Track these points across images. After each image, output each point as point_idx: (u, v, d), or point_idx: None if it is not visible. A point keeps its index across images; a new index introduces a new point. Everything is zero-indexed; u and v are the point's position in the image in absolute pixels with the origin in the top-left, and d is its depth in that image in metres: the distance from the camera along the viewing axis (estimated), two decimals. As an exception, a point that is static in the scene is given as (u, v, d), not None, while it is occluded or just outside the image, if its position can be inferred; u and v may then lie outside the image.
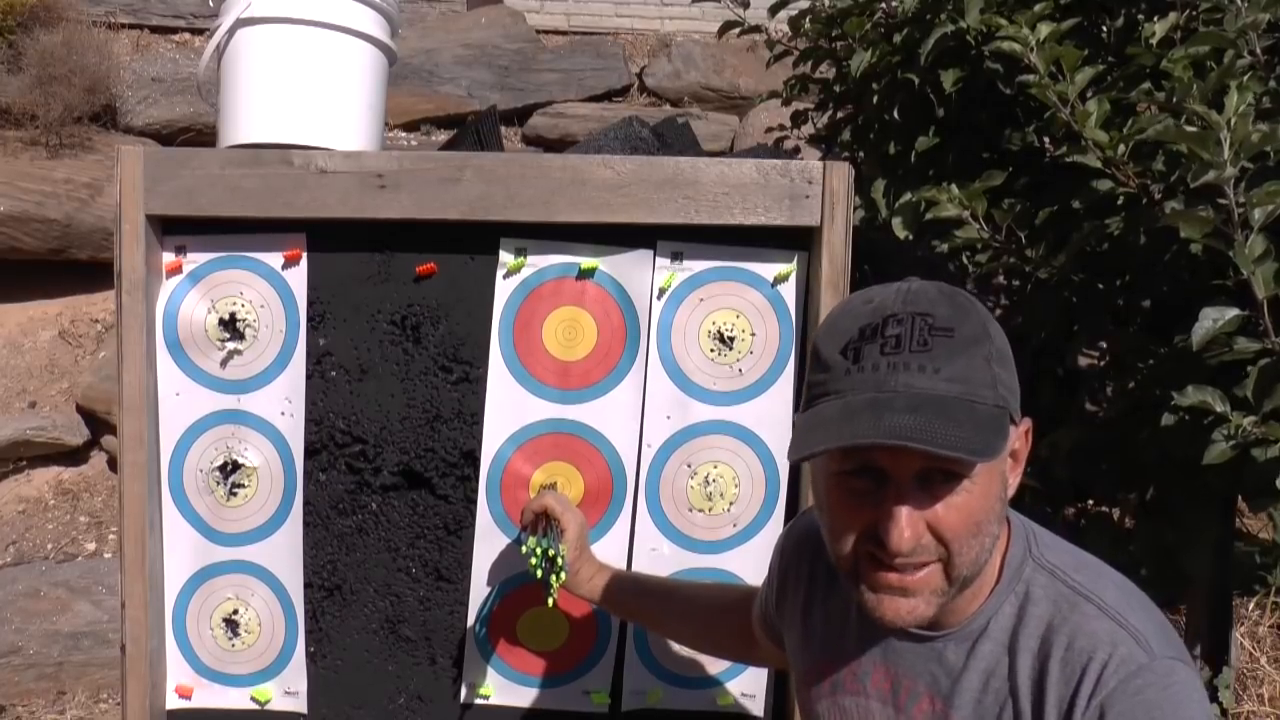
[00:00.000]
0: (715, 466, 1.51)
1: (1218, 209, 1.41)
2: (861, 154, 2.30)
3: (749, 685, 1.56)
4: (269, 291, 1.47)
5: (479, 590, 1.52)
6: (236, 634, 1.52)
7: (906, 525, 0.86)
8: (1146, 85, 1.71)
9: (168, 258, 1.47)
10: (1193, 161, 1.40)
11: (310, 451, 1.49)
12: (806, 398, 0.93)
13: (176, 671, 1.53)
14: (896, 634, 0.99)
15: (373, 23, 1.59)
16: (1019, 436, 0.93)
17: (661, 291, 1.48)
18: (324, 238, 1.47)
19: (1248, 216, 1.40)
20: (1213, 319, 1.42)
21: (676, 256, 1.48)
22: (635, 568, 1.52)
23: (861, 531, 0.90)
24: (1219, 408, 1.44)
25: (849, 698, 1.04)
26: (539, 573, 1.34)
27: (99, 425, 3.88)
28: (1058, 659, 0.89)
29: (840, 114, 2.44)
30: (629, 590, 1.41)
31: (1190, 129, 1.42)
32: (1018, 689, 0.91)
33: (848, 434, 0.85)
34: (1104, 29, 1.88)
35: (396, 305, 1.48)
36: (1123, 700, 0.85)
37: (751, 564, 1.52)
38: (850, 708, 1.03)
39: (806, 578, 1.13)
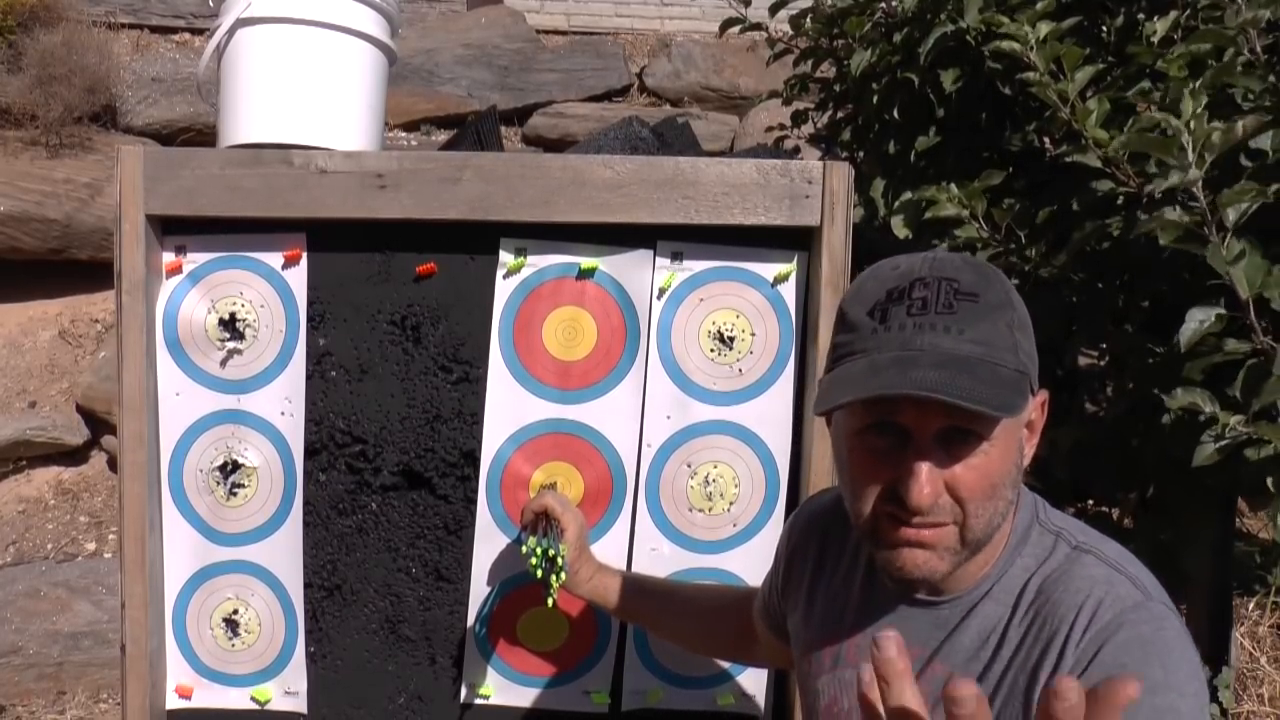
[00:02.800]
0: (715, 466, 1.51)
1: (1191, 211, 1.42)
2: (861, 153, 2.30)
3: (749, 685, 1.56)
4: (269, 291, 1.47)
5: (479, 590, 1.52)
6: (236, 634, 1.52)
7: (927, 482, 0.87)
8: (1146, 85, 1.71)
9: (168, 258, 1.47)
10: (1160, 166, 1.41)
11: (310, 451, 1.49)
12: (831, 359, 0.95)
13: (176, 671, 1.53)
14: (904, 601, 1.00)
15: (373, 23, 1.59)
16: (1036, 407, 0.95)
17: (661, 291, 1.48)
18: (324, 238, 1.47)
19: (1222, 218, 1.40)
20: (1199, 319, 1.43)
21: (676, 256, 1.48)
22: (635, 568, 1.52)
23: (882, 490, 0.91)
24: (1208, 409, 1.44)
25: (850, 670, 1.04)
26: (539, 573, 1.34)
27: (99, 425, 3.89)
28: (1053, 601, 0.90)
29: (840, 113, 2.44)
30: (628, 591, 1.41)
31: (1153, 135, 1.43)
32: (1011, 640, 0.92)
33: (875, 386, 0.86)
34: (1104, 28, 1.89)
35: (396, 305, 1.48)
36: (1118, 633, 0.86)
37: (751, 564, 1.52)
38: (851, 680, 1.04)
39: (814, 557, 1.14)
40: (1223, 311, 1.42)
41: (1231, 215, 1.39)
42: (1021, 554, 0.96)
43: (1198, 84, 1.44)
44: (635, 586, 1.42)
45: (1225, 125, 1.38)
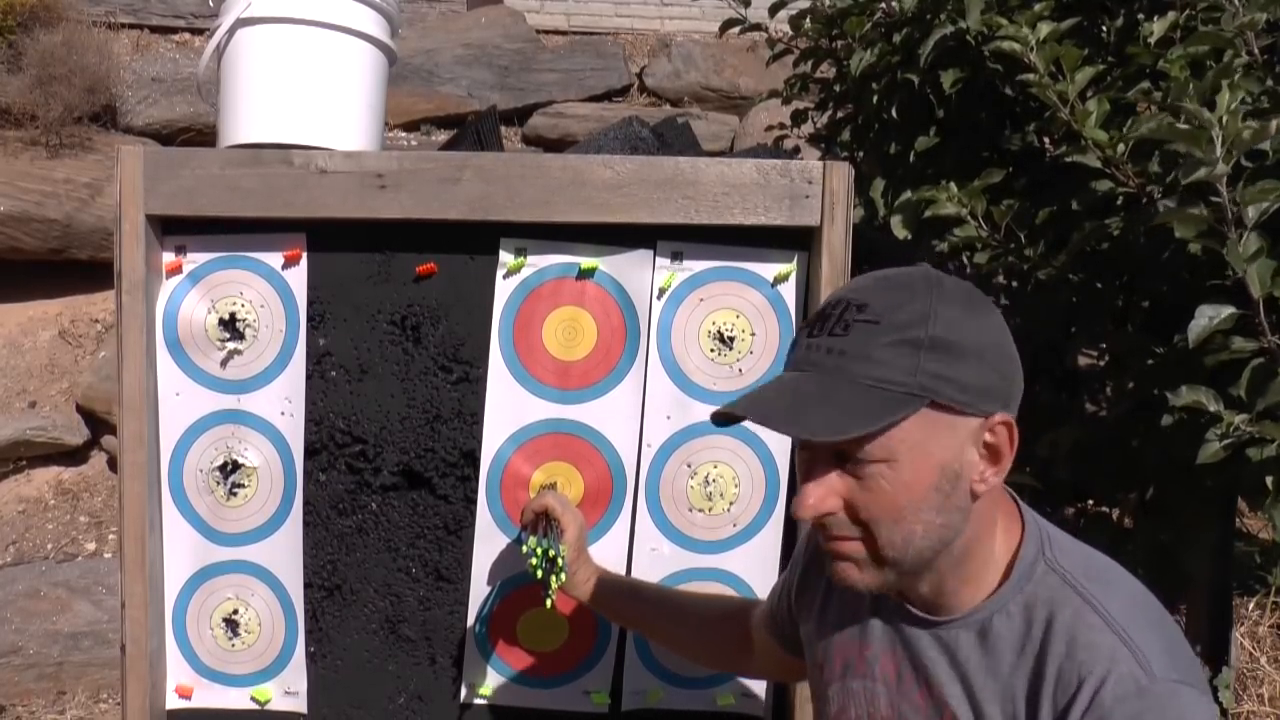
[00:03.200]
0: (715, 466, 1.51)
1: (1211, 207, 1.42)
2: (861, 154, 2.30)
3: (749, 685, 1.56)
4: (269, 291, 1.47)
5: (479, 590, 1.52)
6: (236, 634, 1.52)
7: (808, 494, 0.92)
8: (1145, 85, 1.71)
9: (168, 258, 1.47)
10: (1186, 160, 1.41)
11: (310, 451, 1.49)
12: None
13: (176, 671, 1.53)
14: (907, 617, 1.00)
15: (373, 23, 1.59)
16: (989, 428, 0.92)
17: (661, 291, 1.48)
18: (324, 238, 1.46)
19: (1241, 215, 1.40)
20: (1209, 316, 1.43)
21: (676, 256, 1.48)
22: (635, 568, 1.52)
23: None
24: (1212, 407, 1.44)
25: (857, 681, 1.05)
26: (539, 573, 1.34)
27: (99, 425, 3.89)
28: (1055, 667, 0.89)
29: (840, 113, 2.44)
30: (625, 594, 1.40)
31: (1183, 127, 1.42)
32: (1014, 689, 0.92)
33: (727, 405, 0.95)
34: (1104, 29, 1.89)
35: (396, 305, 1.48)
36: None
37: (751, 564, 1.52)
38: (858, 690, 1.05)
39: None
40: (1234, 310, 1.42)
41: (1252, 213, 1.39)
42: (1024, 590, 0.94)
43: (1236, 78, 1.44)
44: (631, 591, 1.42)
45: (1259, 124, 1.38)
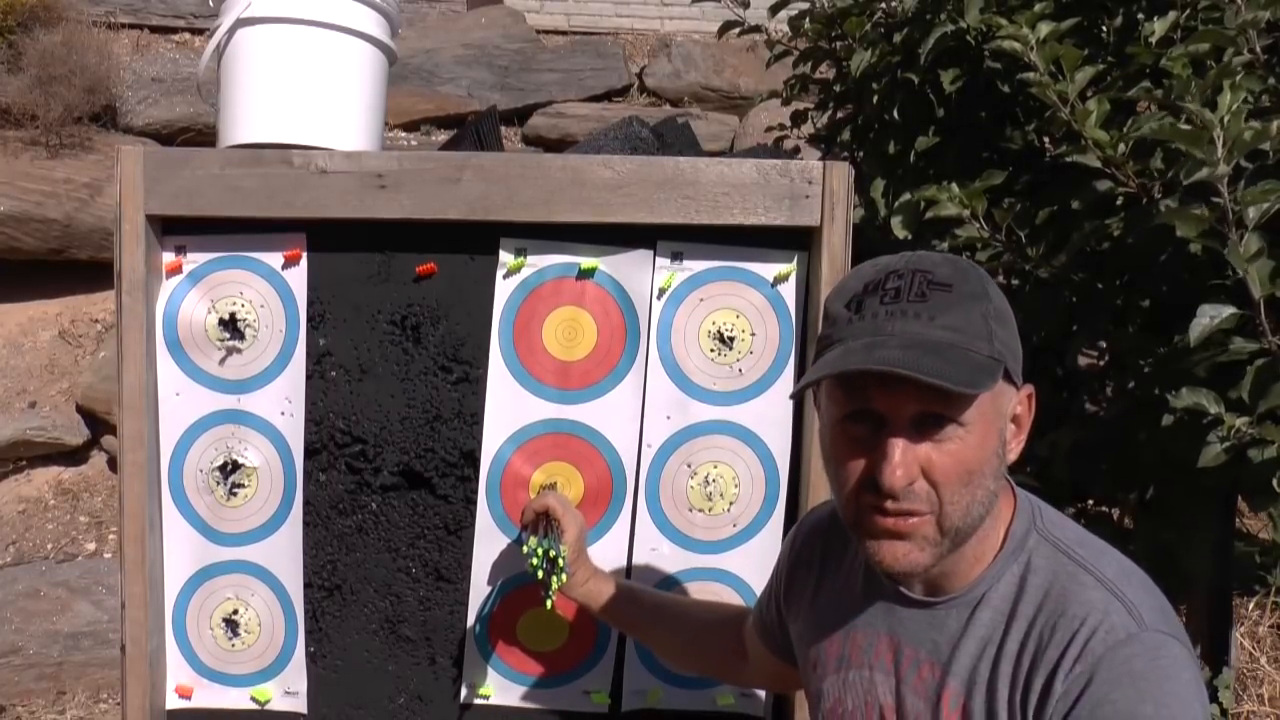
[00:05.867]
0: (715, 466, 1.51)
1: (1212, 208, 1.42)
2: (861, 154, 2.30)
3: (749, 685, 1.56)
4: (269, 291, 1.47)
5: (479, 590, 1.52)
6: (236, 634, 1.52)
7: (899, 464, 0.89)
8: (1146, 84, 1.71)
9: (167, 258, 1.47)
10: (1187, 160, 1.41)
11: (310, 451, 1.49)
12: (815, 353, 0.98)
13: (176, 671, 1.53)
14: (901, 601, 1.01)
15: (373, 23, 1.59)
16: (1020, 401, 0.96)
17: (661, 291, 1.48)
18: (324, 238, 1.46)
19: (1242, 215, 1.40)
20: (1210, 316, 1.43)
21: (676, 256, 1.48)
22: (635, 567, 1.52)
23: (860, 478, 0.92)
24: (1213, 409, 1.44)
25: (854, 671, 1.05)
26: (539, 573, 1.34)
27: (99, 425, 3.89)
28: (1049, 625, 0.91)
29: (840, 114, 2.44)
30: (621, 598, 1.40)
31: (1185, 127, 1.43)
32: (1009, 655, 0.93)
33: (840, 365, 0.89)
34: (1104, 28, 1.89)
35: (396, 305, 1.48)
36: (1109, 667, 0.86)
37: (752, 564, 1.52)
38: (855, 681, 1.05)
39: (818, 563, 1.15)
40: (1235, 310, 1.42)
41: (1252, 214, 1.39)
42: (1017, 560, 0.96)
43: (1237, 79, 1.44)
44: (628, 595, 1.41)
45: (1260, 125, 1.38)
